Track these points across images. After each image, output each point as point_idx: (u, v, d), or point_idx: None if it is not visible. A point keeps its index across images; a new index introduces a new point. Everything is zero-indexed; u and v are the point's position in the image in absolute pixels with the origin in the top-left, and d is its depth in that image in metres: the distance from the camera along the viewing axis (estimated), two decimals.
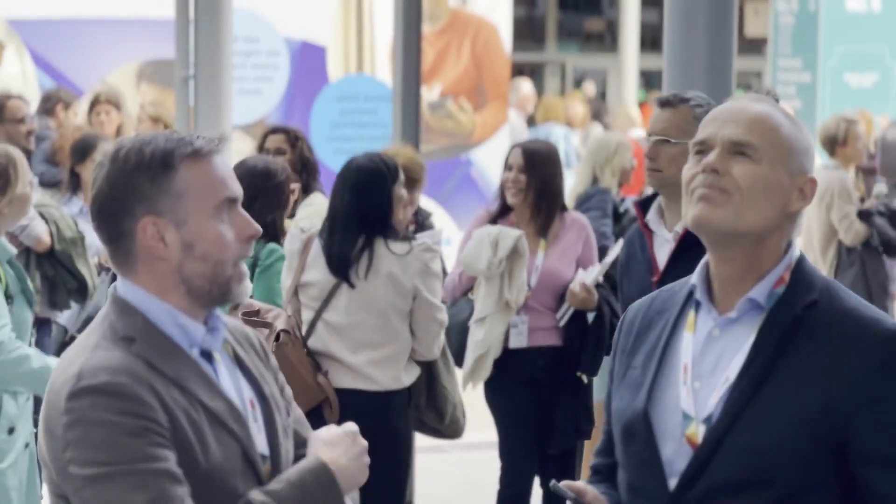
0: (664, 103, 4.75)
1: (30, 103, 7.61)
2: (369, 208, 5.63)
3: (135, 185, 2.63)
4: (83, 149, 7.74)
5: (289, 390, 2.88)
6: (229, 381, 2.72)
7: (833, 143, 9.30)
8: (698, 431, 2.67)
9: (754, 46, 19.12)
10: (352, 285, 5.61)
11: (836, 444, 2.61)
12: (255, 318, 5.45)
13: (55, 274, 6.93)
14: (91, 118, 9.85)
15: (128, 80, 12.43)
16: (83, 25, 12.37)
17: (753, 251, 2.70)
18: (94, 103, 10.01)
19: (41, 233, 6.87)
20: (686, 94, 4.73)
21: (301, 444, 2.82)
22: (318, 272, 5.67)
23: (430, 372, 5.86)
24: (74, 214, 7.32)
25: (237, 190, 2.70)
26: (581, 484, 2.78)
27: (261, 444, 2.70)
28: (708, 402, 2.68)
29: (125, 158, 2.64)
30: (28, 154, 7.15)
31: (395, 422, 5.69)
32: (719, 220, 2.68)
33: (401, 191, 5.72)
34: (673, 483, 2.69)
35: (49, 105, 9.91)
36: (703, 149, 2.73)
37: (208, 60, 8.50)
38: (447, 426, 5.97)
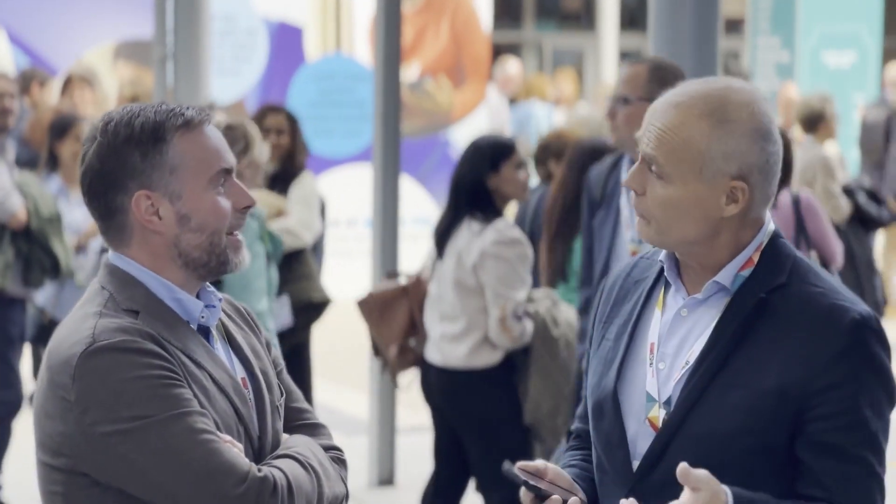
0: None
1: (14, 82, 7.50)
2: (461, 183, 5.76)
3: (126, 161, 2.58)
4: (61, 127, 7.69)
5: (281, 361, 2.84)
6: (226, 358, 2.69)
7: (815, 121, 9.30)
8: (659, 415, 2.64)
9: (732, 26, 19.09)
10: (440, 257, 5.81)
11: (793, 431, 2.56)
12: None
13: (30, 251, 6.88)
14: (64, 97, 9.79)
15: (104, 60, 12.37)
16: (59, 4, 12.30)
17: (703, 251, 2.65)
18: (68, 82, 9.95)
19: (17, 209, 6.82)
20: None
21: (295, 418, 2.79)
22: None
23: (525, 364, 5.81)
24: (53, 193, 7.28)
25: (231, 160, 2.66)
26: (541, 463, 2.71)
27: (252, 425, 2.67)
28: (668, 385, 2.65)
29: (115, 132, 2.59)
30: (4, 133, 7.09)
31: (465, 403, 5.74)
32: (649, 238, 2.67)
33: (513, 171, 5.73)
34: (636, 465, 2.66)
35: (25, 84, 9.84)
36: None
37: (186, 40, 8.43)
38: (534, 426, 5.81)
